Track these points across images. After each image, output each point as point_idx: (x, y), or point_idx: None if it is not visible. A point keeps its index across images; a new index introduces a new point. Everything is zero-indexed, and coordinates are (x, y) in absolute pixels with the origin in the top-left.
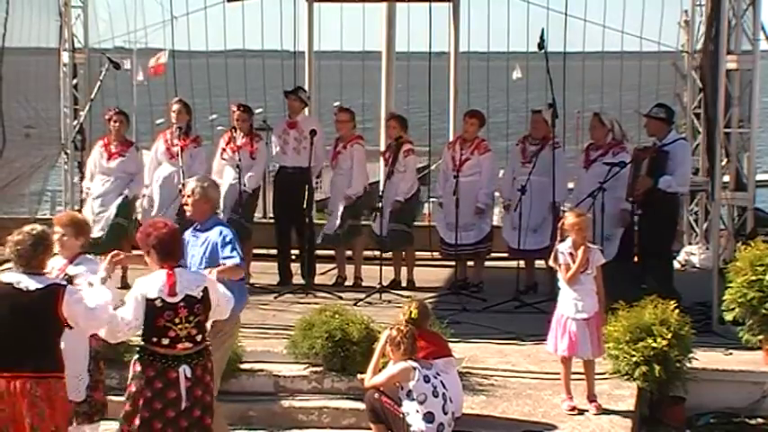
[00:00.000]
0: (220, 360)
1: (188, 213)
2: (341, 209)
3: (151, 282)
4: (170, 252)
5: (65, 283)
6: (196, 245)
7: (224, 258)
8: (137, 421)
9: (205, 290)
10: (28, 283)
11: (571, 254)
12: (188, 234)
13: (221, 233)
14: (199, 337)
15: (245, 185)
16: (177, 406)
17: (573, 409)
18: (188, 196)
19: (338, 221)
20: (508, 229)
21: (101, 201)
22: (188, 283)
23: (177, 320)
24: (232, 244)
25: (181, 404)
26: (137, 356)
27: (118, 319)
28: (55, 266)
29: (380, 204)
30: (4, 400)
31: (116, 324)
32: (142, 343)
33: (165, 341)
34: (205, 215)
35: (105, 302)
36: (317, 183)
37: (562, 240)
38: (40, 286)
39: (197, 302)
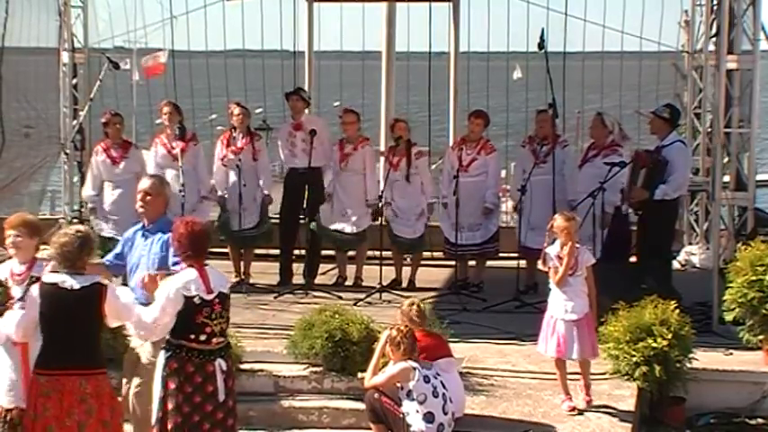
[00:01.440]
0: None
1: (141, 211)
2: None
3: (185, 280)
4: (200, 250)
5: (106, 281)
6: (147, 245)
7: (173, 264)
8: (179, 419)
9: (228, 287)
10: (72, 282)
11: (560, 256)
12: (132, 234)
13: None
14: (227, 331)
15: (263, 192)
16: (215, 398)
17: (573, 409)
18: (145, 194)
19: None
20: (527, 230)
21: (116, 207)
22: (218, 281)
23: (213, 316)
24: None
25: (218, 397)
26: (170, 354)
27: (147, 320)
28: (14, 270)
29: (381, 204)
30: (50, 398)
31: (148, 325)
32: (176, 341)
33: (203, 337)
34: (158, 213)
35: (132, 301)
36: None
37: (551, 243)
38: (86, 284)
39: (226, 298)
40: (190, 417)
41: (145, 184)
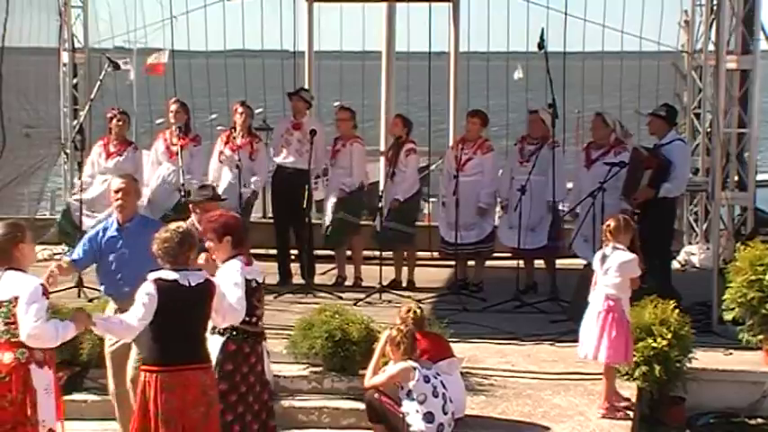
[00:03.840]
0: None
1: (119, 209)
2: (331, 203)
3: (241, 266)
4: (243, 239)
5: (213, 277)
6: (127, 240)
7: None
8: (233, 397)
9: None
10: (189, 279)
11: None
12: (101, 231)
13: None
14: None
15: (250, 187)
16: (263, 379)
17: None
18: (123, 191)
19: (329, 217)
20: (505, 229)
21: (93, 202)
22: (257, 268)
23: (260, 300)
24: None
25: (264, 377)
26: (227, 337)
27: (238, 307)
28: None
29: (381, 204)
30: (174, 393)
31: (239, 311)
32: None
33: (254, 320)
34: (134, 210)
35: (239, 297)
36: (315, 183)
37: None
38: (200, 281)
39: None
40: (246, 397)
41: (118, 182)
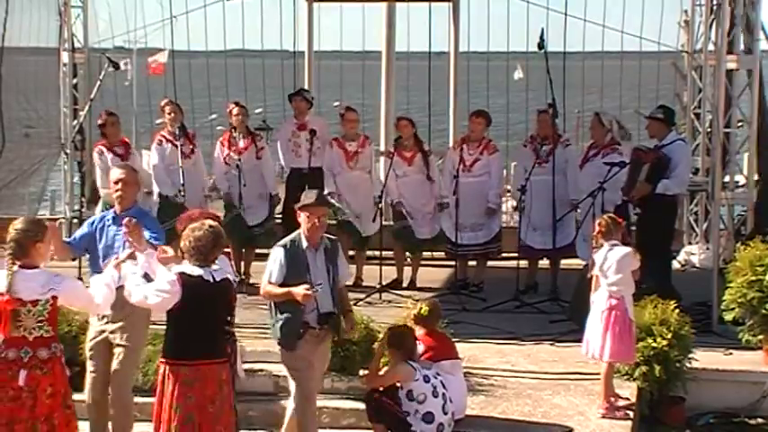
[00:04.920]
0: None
1: (118, 199)
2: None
3: (223, 264)
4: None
5: (233, 276)
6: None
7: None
8: None
9: None
10: (212, 275)
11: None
12: (100, 219)
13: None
14: None
15: (270, 190)
16: (236, 375)
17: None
18: (123, 182)
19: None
20: (529, 231)
21: None
22: (231, 268)
23: (235, 299)
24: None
25: (239, 374)
26: None
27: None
28: None
29: (381, 204)
30: (193, 387)
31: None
32: None
33: (230, 318)
34: (132, 201)
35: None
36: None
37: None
38: (223, 278)
39: None
40: None
41: (119, 172)
